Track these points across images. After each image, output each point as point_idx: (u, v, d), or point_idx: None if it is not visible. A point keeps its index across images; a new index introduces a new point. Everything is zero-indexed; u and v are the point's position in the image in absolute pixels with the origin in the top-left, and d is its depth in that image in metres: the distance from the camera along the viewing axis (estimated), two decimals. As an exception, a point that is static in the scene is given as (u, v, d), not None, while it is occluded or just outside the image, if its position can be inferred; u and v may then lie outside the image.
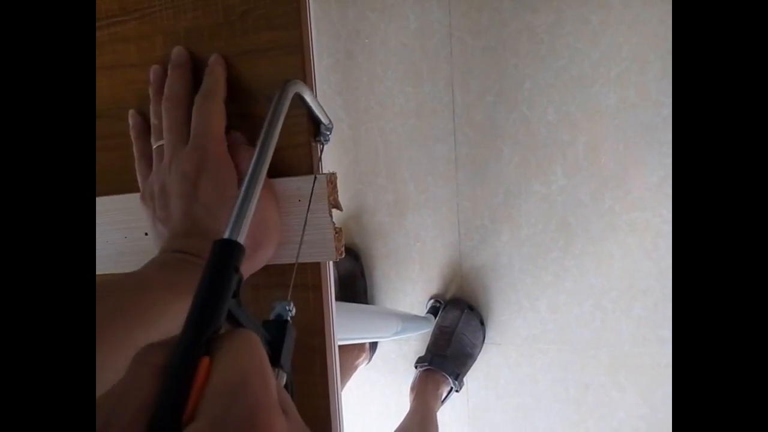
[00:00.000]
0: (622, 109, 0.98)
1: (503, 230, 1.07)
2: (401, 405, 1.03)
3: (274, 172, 0.37)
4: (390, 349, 1.18)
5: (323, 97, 1.13)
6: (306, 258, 0.37)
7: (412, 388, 1.06)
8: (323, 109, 0.36)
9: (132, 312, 0.31)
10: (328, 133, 0.38)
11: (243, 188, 0.28)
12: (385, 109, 1.10)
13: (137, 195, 0.39)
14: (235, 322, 0.22)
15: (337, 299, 1.14)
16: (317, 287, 0.37)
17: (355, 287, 1.14)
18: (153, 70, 0.39)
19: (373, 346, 1.16)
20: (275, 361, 0.24)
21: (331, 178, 0.36)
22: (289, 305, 0.27)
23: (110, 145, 0.42)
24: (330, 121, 0.37)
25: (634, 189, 0.99)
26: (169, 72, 0.38)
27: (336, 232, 0.36)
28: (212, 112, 0.36)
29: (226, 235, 0.25)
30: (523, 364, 1.10)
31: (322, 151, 0.38)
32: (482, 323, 1.11)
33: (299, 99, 0.34)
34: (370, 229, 1.14)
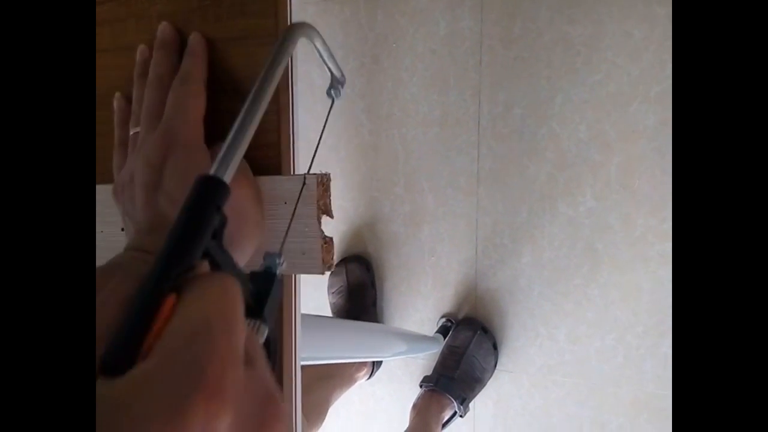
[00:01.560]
0: (661, 130, 0.91)
1: (524, 251, 1.01)
2: (405, 424, 0.98)
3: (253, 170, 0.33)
4: (396, 366, 1.13)
5: (346, 101, 1.10)
6: (289, 269, 0.33)
7: (414, 407, 1.01)
8: (335, 60, 0.33)
9: None
10: (341, 86, 0.34)
11: (237, 122, 0.26)
12: (408, 117, 1.06)
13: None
14: (215, 265, 0.21)
15: (344, 308, 1.11)
16: (277, 303, 0.33)
17: (364, 297, 1.10)
18: (140, 50, 0.36)
19: (377, 361, 1.11)
20: (258, 313, 0.23)
21: (323, 180, 0.32)
22: (280, 258, 0.25)
23: None
24: (342, 74, 0.34)
25: (669, 218, 0.92)
26: (154, 52, 0.35)
27: (325, 242, 0.32)
28: (189, 94, 0.33)
29: (211, 172, 0.24)
30: (536, 395, 1.03)
31: (331, 106, 0.34)
32: (495, 347, 1.04)
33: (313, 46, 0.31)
34: (384, 238, 1.10)
